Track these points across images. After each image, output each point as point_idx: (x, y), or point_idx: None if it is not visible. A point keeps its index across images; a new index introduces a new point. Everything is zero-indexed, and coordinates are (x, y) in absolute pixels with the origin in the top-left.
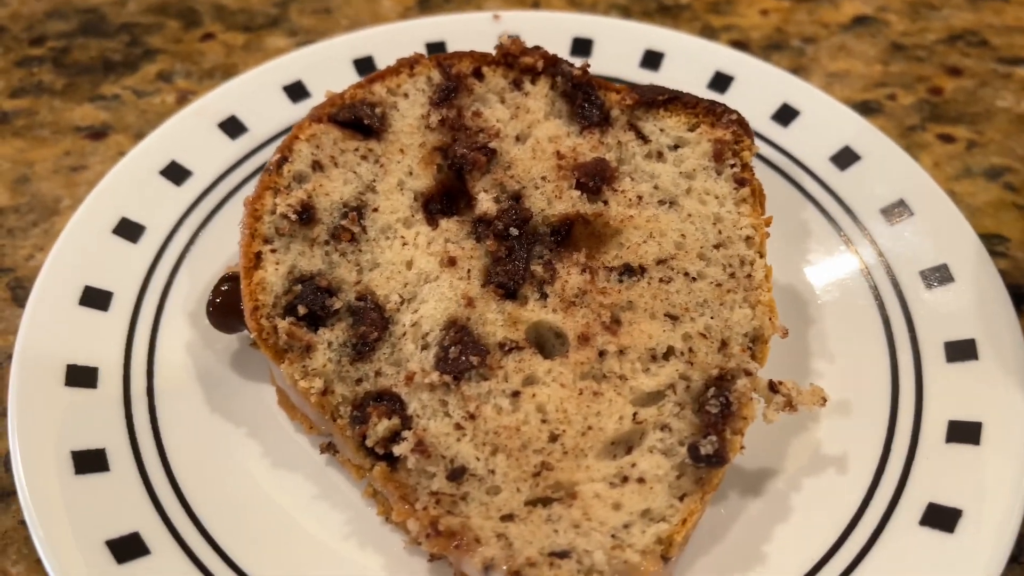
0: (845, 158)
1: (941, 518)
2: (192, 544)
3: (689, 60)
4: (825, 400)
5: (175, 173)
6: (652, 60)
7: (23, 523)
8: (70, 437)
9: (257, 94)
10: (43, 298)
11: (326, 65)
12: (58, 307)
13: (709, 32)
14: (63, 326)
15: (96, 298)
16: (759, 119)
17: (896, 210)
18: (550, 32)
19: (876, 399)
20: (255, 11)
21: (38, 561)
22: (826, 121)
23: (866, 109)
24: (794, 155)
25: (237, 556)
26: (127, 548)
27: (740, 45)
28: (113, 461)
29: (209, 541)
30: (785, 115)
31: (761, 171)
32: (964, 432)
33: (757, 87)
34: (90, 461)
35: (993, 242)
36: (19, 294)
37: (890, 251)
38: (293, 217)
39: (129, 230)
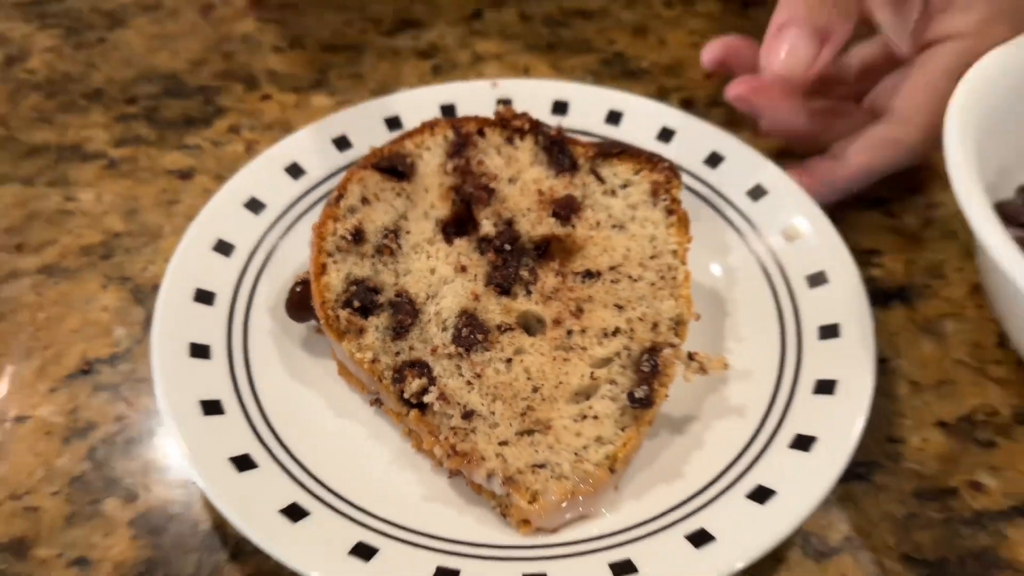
0: (757, 192)
1: (802, 443)
2: (284, 462)
3: (643, 117)
4: (727, 366)
5: (254, 206)
6: (614, 117)
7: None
8: (197, 391)
9: (312, 144)
10: (169, 297)
11: (363, 122)
12: (180, 303)
13: (663, 91)
14: (184, 316)
15: (205, 296)
16: (694, 163)
17: (791, 231)
18: (536, 96)
19: (769, 367)
20: (301, 76)
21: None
22: (745, 165)
23: (779, 155)
24: (719, 190)
25: (316, 471)
26: (243, 463)
27: (688, 102)
28: (226, 408)
29: (296, 461)
30: (714, 160)
31: (694, 202)
32: (825, 386)
33: (694, 138)
34: (212, 407)
35: (870, 255)
36: (138, 296)
37: (786, 262)
38: (349, 238)
39: (224, 248)
